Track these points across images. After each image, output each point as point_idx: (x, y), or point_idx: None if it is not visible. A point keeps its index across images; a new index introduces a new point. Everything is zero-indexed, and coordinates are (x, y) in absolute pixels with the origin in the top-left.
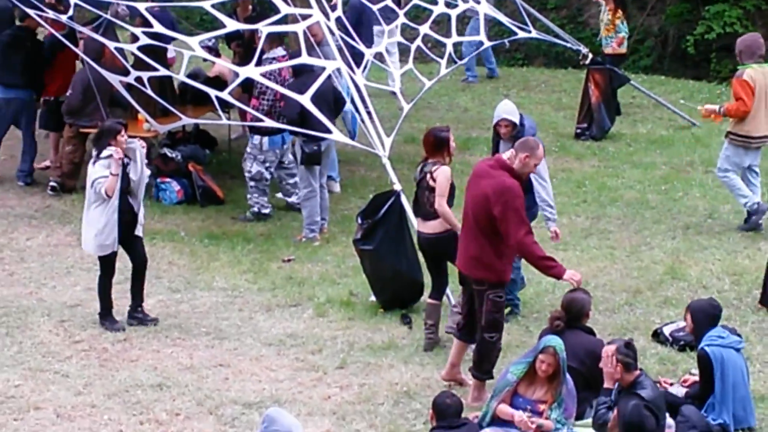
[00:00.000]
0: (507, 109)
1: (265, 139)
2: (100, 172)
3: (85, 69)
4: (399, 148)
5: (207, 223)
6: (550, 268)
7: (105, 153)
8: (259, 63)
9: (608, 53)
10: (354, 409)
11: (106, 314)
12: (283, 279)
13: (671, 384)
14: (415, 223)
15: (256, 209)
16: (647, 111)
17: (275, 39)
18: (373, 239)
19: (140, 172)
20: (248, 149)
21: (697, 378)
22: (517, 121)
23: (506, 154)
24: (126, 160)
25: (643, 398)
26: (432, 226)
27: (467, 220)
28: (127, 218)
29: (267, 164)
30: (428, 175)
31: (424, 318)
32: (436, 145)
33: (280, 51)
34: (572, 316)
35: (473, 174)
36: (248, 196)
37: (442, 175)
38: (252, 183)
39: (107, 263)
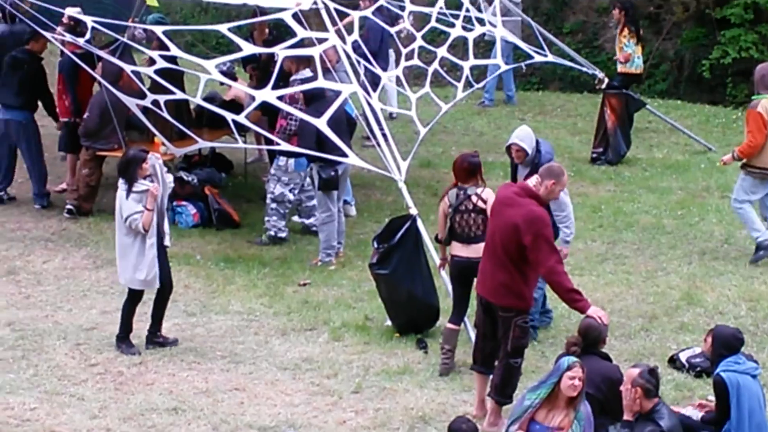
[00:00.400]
0: (520, 135)
1: (291, 161)
2: (133, 207)
3: (102, 92)
4: (415, 173)
5: (223, 247)
6: (575, 301)
7: (140, 188)
8: (286, 84)
9: (619, 72)
10: None
11: (124, 338)
12: (299, 303)
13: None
14: (431, 248)
15: (272, 233)
16: (663, 136)
17: (303, 60)
18: (389, 264)
19: (163, 185)
20: (272, 170)
21: (713, 404)
22: (527, 147)
23: (531, 181)
24: (149, 179)
25: (660, 426)
26: (477, 249)
27: (494, 248)
28: (160, 243)
29: (291, 186)
30: (474, 197)
31: (441, 343)
32: (471, 171)
33: (307, 72)
34: (589, 342)
35: (498, 201)
36: (266, 219)
37: (492, 196)
38: (273, 204)
39: (139, 293)
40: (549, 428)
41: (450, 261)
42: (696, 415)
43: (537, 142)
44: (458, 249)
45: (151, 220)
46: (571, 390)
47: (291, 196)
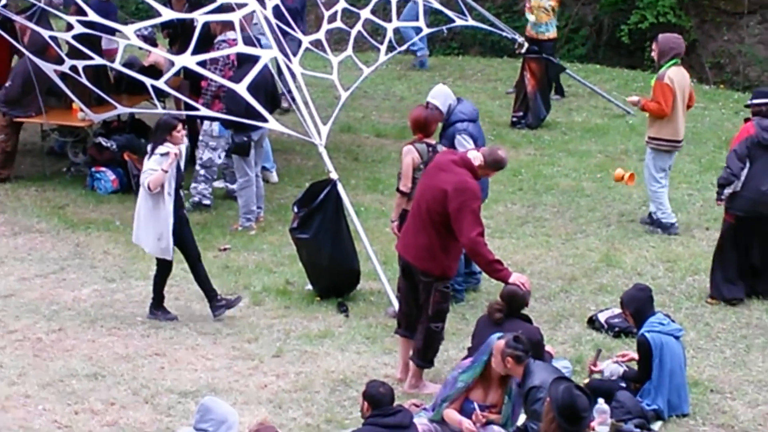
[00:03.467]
0: (433, 93)
1: (215, 124)
2: (151, 166)
3: (25, 61)
4: (335, 137)
5: None
6: (497, 271)
7: (162, 150)
8: (211, 46)
9: (534, 38)
10: (290, 398)
11: (157, 305)
12: (220, 268)
13: (602, 367)
14: (352, 213)
15: (197, 199)
16: (582, 100)
17: (228, 23)
18: (310, 228)
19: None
20: (201, 136)
21: (631, 353)
22: (440, 105)
23: (472, 154)
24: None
25: (535, 384)
26: None
27: (420, 210)
28: (181, 213)
29: (218, 151)
30: None
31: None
32: (435, 121)
33: (231, 34)
34: (513, 309)
35: (434, 165)
36: (193, 185)
37: None
38: (202, 171)
39: (166, 263)
40: (483, 406)
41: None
42: (617, 370)
43: (458, 100)
44: None
45: (159, 182)
46: (501, 368)
47: (218, 161)
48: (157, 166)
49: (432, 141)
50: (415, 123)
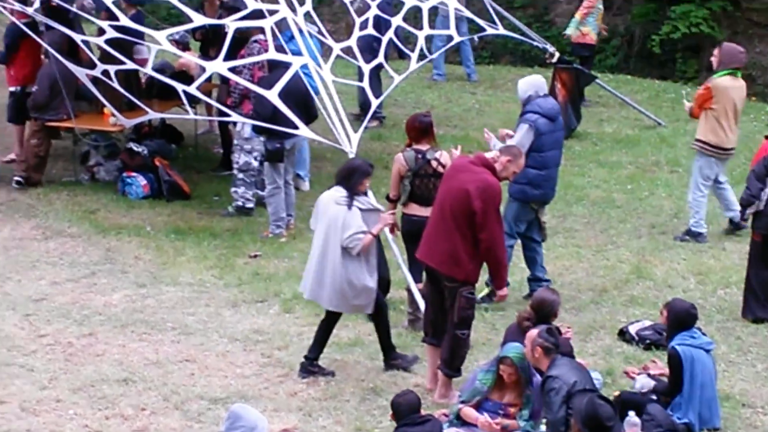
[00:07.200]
0: (523, 78)
1: (247, 126)
2: (356, 222)
3: (50, 63)
4: (365, 145)
5: (173, 218)
6: (501, 277)
7: (365, 206)
8: (243, 47)
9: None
10: (320, 406)
11: (308, 360)
12: (250, 275)
13: (638, 374)
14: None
15: (240, 203)
16: (613, 110)
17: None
18: None
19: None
20: (235, 141)
21: (655, 365)
22: (519, 92)
23: (489, 154)
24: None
25: (554, 376)
26: None
27: (442, 213)
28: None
29: (254, 154)
30: (433, 162)
31: (408, 303)
32: (423, 130)
33: (262, 36)
34: (541, 317)
35: (452, 167)
36: (233, 189)
37: (449, 159)
38: (240, 174)
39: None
40: (502, 404)
41: (405, 220)
42: (648, 384)
43: (546, 95)
44: (416, 209)
45: (367, 247)
46: (505, 379)
47: (255, 164)
48: (359, 221)
49: (423, 147)
50: (411, 130)
